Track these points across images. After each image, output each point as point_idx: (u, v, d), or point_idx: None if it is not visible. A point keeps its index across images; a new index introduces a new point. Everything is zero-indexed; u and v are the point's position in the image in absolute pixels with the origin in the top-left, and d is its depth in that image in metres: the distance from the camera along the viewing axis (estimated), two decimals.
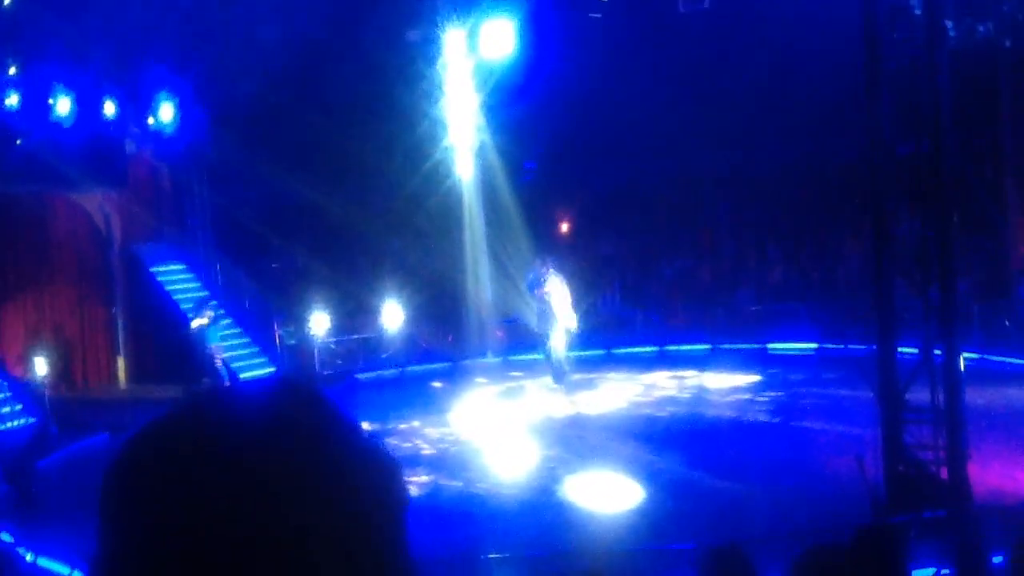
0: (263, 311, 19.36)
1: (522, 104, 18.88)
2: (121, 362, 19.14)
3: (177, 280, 18.87)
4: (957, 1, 16.29)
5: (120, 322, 19.17)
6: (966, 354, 9.15)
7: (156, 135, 18.59)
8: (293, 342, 18.95)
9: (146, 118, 18.27)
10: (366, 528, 0.84)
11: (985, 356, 14.46)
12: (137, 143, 19.01)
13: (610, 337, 18.73)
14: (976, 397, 10.13)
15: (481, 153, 19.48)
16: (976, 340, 14.83)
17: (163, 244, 19.34)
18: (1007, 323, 16.35)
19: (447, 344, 19.65)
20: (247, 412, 0.87)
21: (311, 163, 19.15)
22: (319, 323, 18.64)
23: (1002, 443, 10.10)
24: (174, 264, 19.08)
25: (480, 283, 19.43)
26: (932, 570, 7.31)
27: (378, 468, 0.88)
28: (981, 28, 18.04)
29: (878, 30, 8.80)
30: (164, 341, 17.95)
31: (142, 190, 19.40)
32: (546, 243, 18.58)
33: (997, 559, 7.85)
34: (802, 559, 3.46)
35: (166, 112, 18.18)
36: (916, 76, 8.83)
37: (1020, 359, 14.94)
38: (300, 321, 19.04)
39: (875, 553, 4.59)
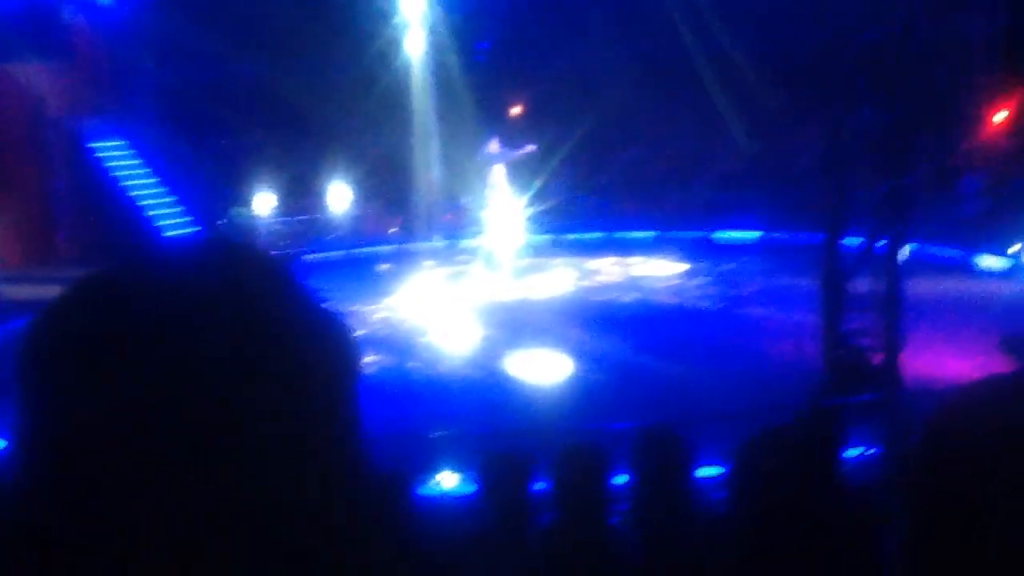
0: (208, 190, 18.96)
1: None
2: (58, 240, 18.70)
3: (118, 157, 18.32)
4: None
5: (57, 200, 18.64)
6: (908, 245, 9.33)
7: (93, 4, 17.73)
8: (238, 222, 18.67)
9: None
10: (318, 399, 0.76)
11: (924, 247, 14.75)
12: (75, 12, 18.12)
13: (558, 222, 18.74)
14: (913, 287, 10.36)
15: (433, 32, 18.95)
16: (917, 232, 15.08)
17: (104, 119, 18.67)
18: (947, 213, 16.65)
19: (395, 226, 19.50)
20: (182, 271, 0.78)
21: (260, 40, 18.46)
22: (265, 203, 18.34)
23: (933, 331, 10.38)
24: (115, 140, 18.48)
25: (429, 166, 19.18)
26: (859, 450, 7.57)
27: (332, 334, 0.79)
28: None
29: None
30: (105, 219, 17.53)
31: (81, 62, 18.59)
32: (497, 127, 18.27)
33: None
34: (748, 442, 3.51)
35: None
36: None
37: (957, 251, 15.32)
38: (246, 201, 18.72)
39: (814, 435, 4.68)
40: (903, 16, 8.49)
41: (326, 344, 0.78)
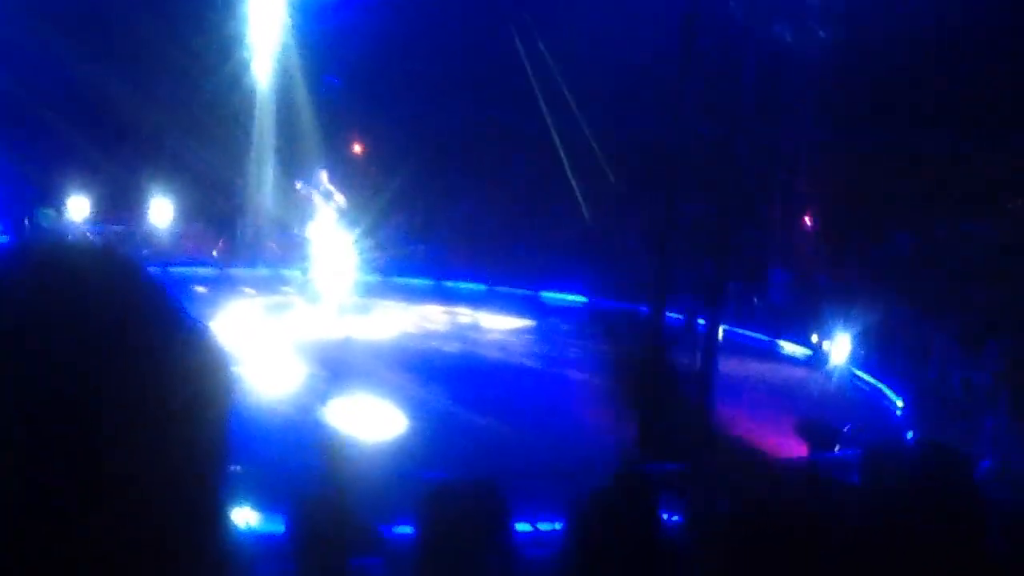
0: (12, 189, 17.62)
1: (332, 14, 18.14)
2: None
3: None
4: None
5: None
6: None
7: None
8: (43, 224, 17.42)
9: None
10: (182, 428, 0.65)
11: (734, 329, 15.57)
12: None
13: (389, 265, 18.60)
14: (723, 365, 10.86)
15: (282, 58, 18.59)
16: (728, 315, 15.94)
17: None
18: (756, 301, 17.70)
19: (217, 248, 18.75)
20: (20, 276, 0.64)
21: (85, 40, 17.45)
22: (78, 209, 17.24)
23: (739, 407, 10.90)
24: None
25: (261, 191, 18.64)
26: (663, 516, 7.74)
27: (201, 352, 0.68)
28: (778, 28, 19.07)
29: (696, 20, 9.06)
30: None
31: None
32: (338, 163, 18.05)
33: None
34: (581, 501, 3.51)
35: None
36: (724, 66, 9.19)
37: (763, 335, 16.28)
38: (54, 203, 17.53)
39: (632, 499, 4.75)
40: (733, 120, 9.04)
41: (193, 364, 0.66)
